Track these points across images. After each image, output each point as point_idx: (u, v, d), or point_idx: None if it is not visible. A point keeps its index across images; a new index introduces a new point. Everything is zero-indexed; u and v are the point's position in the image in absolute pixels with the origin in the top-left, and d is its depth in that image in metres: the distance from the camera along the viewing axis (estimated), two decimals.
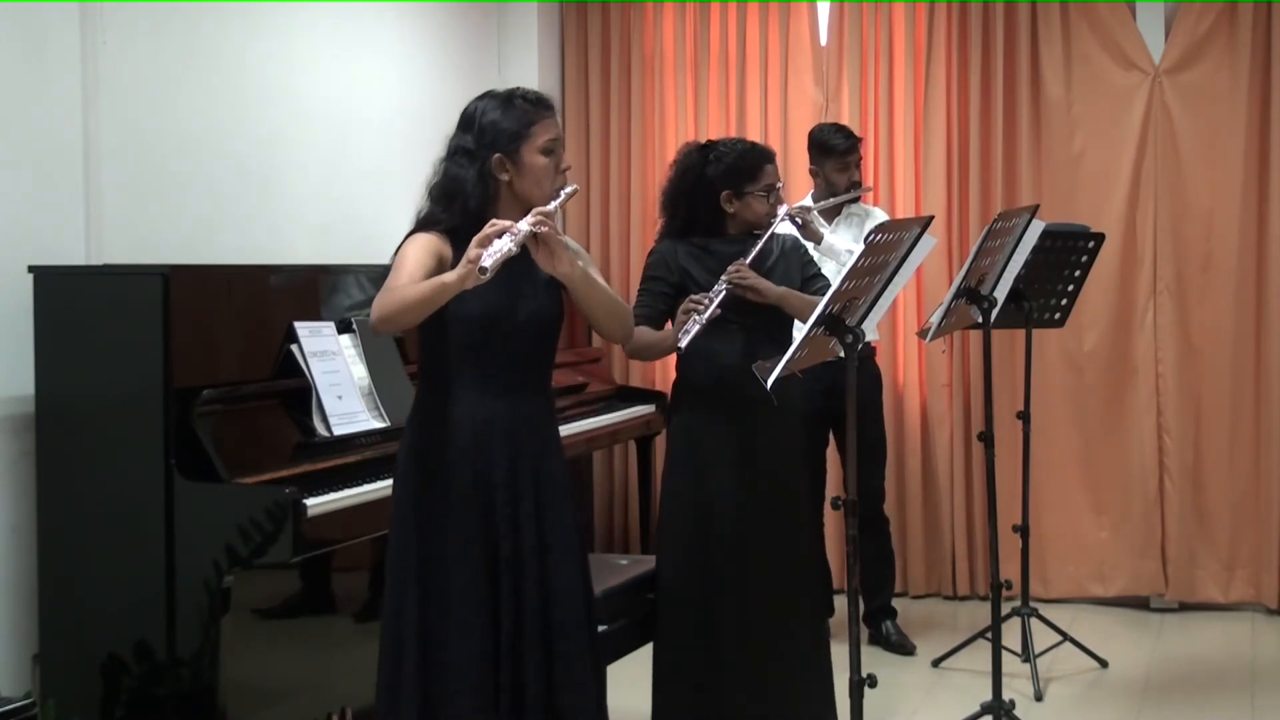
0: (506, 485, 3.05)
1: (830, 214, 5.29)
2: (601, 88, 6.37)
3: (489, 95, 3.15)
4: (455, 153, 3.10)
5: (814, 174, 5.39)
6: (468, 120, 3.12)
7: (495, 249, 2.79)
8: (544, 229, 2.87)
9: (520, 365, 3.10)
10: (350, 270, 4.28)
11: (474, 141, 3.07)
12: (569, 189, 3.05)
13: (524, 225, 2.85)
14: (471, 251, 2.81)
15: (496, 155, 3.05)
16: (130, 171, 4.05)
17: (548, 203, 3.01)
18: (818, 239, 4.86)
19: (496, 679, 3.03)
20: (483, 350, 3.04)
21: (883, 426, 5.51)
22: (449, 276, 2.84)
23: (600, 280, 3.13)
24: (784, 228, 4.20)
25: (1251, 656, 5.30)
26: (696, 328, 3.64)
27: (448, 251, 3.02)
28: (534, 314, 3.06)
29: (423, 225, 3.09)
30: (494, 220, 2.86)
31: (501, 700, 3.02)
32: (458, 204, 3.04)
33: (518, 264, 2.88)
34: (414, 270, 2.96)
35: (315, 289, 4.08)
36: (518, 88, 3.17)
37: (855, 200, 5.34)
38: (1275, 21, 5.72)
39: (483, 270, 2.76)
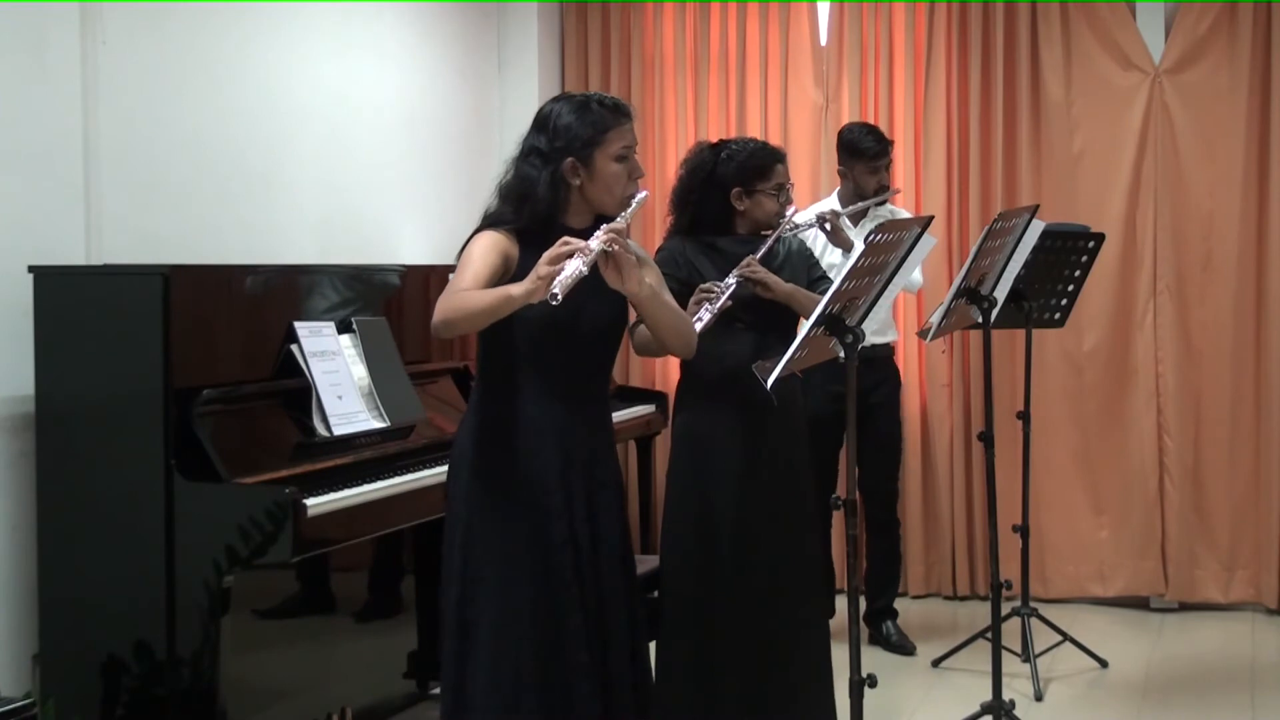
0: (560, 490, 3.05)
1: (856, 216, 5.26)
2: (601, 87, 6.37)
3: (565, 97, 3.12)
4: (529, 153, 3.08)
5: (842, 175, 5.34)
6: (542, 121, 3.09)
7: (567, 273, 2.76)
8: (615, 248, 2.86)
9: (580, 370, 3.10)
10: (350, 270, 4.28)
11: (547, 143, 3.05)
12: (640, 196, 3.04)
13: (595, 244, 2.83)
14: (541, 269, 2.79)
15: (569, 160, 3.03)
16: (130, 171, 4.05)
17: (617, 209, 3.01)
18: (847, 246, 4.81)
19: (549, 685, 3.01)
20: (543, 354, 3.03)
21: (900, 427, 5.50)
22: (516, 289, 2.82)
23: (667, 295, 3.14)
24: (810, 232, 4.19)
25: (1251, 656, 5.30)
26: (709, 316, 3.64)
27: (515, 251, 3.01)
28: (596, 320, 3.04)
29: (491, 223, 3.07)
30: (566, 239, 2.83)
31: (555, 700, 3.02)
32: (528, 206, 3.03)
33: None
34: (480, 270, 2.95)
35: (316, 289, 4.07)
36: (595, 92, 3.15)
37: (884, 203, 5.31)
38: (1275, 21, 5.72)
39: (554, 297, 2.74)
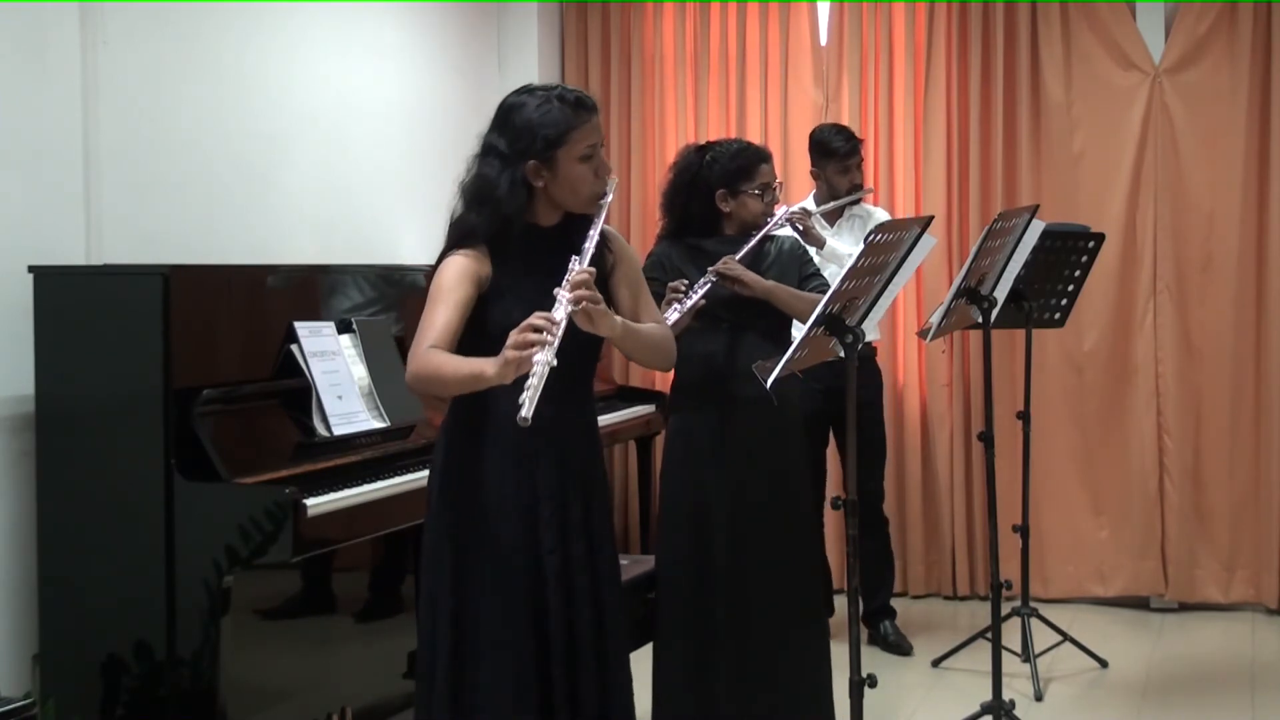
0: (552, 497, 2.97)
1: (832, 216, 5.30)
2: (601, 88, 6.37)
3: (527, 91, 2.98)
4: (487, 152, 2.95)
5: (815, 176, 5.40)
6: (503, 118, 2.95)
7: (535, 386, 2.63)
8: (581, 305, 2.75)
9: (564, 374, 2.92)
10: (350, 270, 4.28)
11: (508, 145, 2.91)
12: (608, 193, 2.95)
13: (560, 314, 2.71)
14: (509, 353, 2.66)
15: (531, 162, 2.91)
16: (130, 171, 4.05)
17: (585, 208, 2.93)
18: (820, 244, 4.86)
19: (547, 694, 2.95)
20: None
21: (883, 427, 5.51)
22: (489, 370, 2.69)
23: (637, 328, 3.01)
24: (784, 232, 4.21)
25: (1251, 656, 5.30)
26: (675, 315, 3.63)
27: (486, 269, 2.91)
28: (576, 326, 2.92)
29: (459, 237, 2.95)
30: (531, 322, 2.68)
31: (559, 718, 2.96)
32: (489, 209, 2.91)
33: (559, 275, 2.79)
34: (450, 312, 2.85)
35: (315, 289, 4.08)
36: (559, 85, 3.00)
37: (857, 202, 5.34)
38: (1275, 21, 5.72)
39: (524, 420, 2.62)
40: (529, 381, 2.64)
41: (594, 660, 3.00)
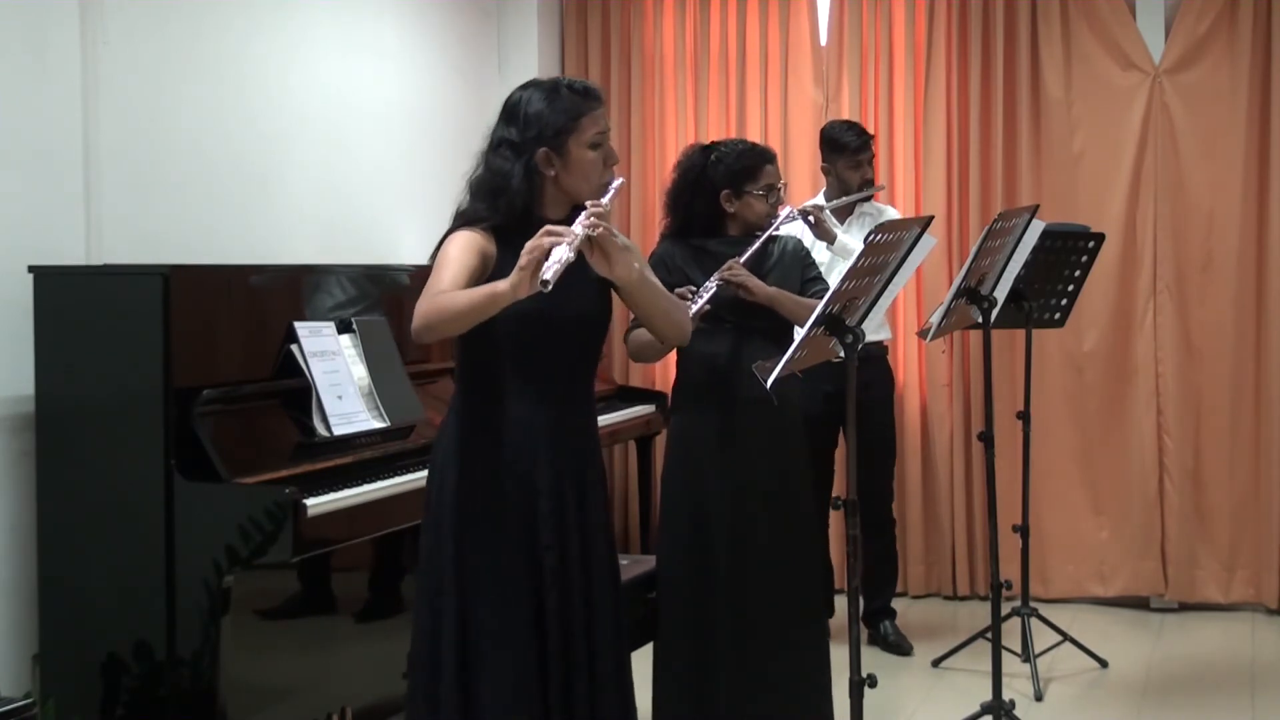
0: (551, 495, 2.97)
1: (842, 213, 5.27)
2: (601, 86, 6.34)
3: (533, 84, 2.99)
4: (499, 145, 2.95)
5: (826, 172, 5.38)
6: (511, 110, 2.96)
7: (554, 259, 2.65)
8: (599, 231, 2.75)
9: (566, 369, 2.99)
10: (350, 270, 4.28)
11: (518, 134, 2.92)
12: (616, 183, 2.94)
13: (579, 229, 2.72)
14: (523, 259, 2.67)
15: (542, 150, 2.91)
16: (130, 171, 4.05)
17: (594, 198, 2.90)
18: (831, 238, 4.87)
19: (545, 693, 2.95)
20: (528, 351, 2.93)
21: (893, 426, 5.51)
22: (501, 285, 2.70)
23: (655, 281, 3.03)
24: (796, 227, 4.20)
25: (1251, 656, 5.30)
26: None
27: (492, 249, 2.91)
28: (582, 313, 2.94)
29: (465, 222, 2.96)
30: (548, 227, 2.71)
31: (552, 717, 2.95)
32: (502, 201, 2.91)
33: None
34: (457, 272, 2.84)
35: (315, 289, 4.08)
36: (563, 76, 3.03)
37: (868, 199, 5.33)
38: (1275, 21, 5.72)
39: (544, 284, 2.63)
40: (553, 257, 2.65)
41: (587, 659, 2.99)
